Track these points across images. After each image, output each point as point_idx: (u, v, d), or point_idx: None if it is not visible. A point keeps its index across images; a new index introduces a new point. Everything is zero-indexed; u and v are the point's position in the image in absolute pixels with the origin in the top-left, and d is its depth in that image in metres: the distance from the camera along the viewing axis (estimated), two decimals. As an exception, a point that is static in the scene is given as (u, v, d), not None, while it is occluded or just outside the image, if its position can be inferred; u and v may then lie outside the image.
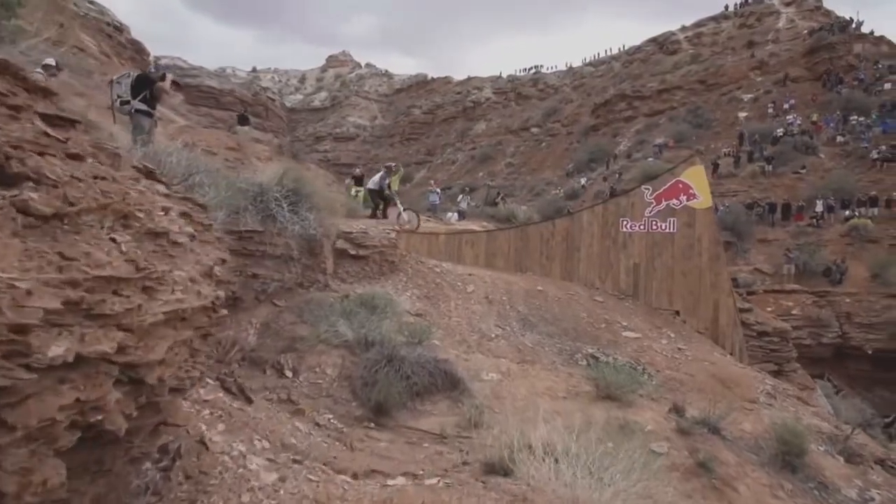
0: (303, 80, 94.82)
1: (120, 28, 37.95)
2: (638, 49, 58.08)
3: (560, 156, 47.63)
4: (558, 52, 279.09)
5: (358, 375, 4.78)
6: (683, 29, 53.66)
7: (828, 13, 45.99)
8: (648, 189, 9.89)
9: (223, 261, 3.58)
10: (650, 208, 9.87)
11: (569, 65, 71.69)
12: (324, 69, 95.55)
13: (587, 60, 69.71)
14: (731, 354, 9.22)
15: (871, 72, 35.14)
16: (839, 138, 29.44)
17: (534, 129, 56.94)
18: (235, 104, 60.90)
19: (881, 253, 20.86)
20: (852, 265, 20.55)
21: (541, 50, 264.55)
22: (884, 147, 26.51)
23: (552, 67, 72.64)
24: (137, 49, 38.93)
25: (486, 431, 4.26)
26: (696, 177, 9.78)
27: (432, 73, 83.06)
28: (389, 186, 12.13)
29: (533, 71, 72.86)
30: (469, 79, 75.01)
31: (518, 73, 73.40)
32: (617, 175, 33.84)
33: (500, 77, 73.64)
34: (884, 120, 29.19)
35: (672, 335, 8.76)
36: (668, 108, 43.36)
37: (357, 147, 73.89)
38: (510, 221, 16.00)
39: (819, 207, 23.76)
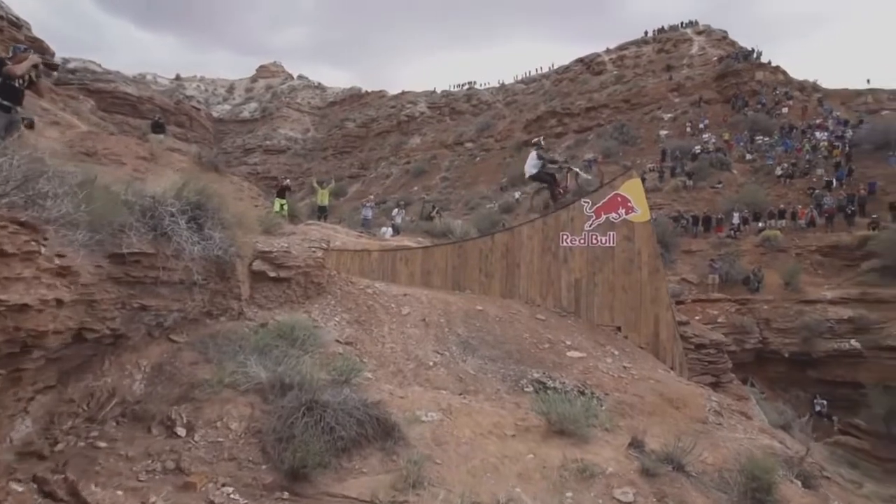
0: (231, 89, 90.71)
1: (18, 24, 34.16)
2: (566, 69, 60.57)
3: (494, 170, 48.22)
4: (491, 70, 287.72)
5: (270, 429, 3.92)
6: (608, 51, 56.59)
7: (733, 43, 50.25)
8: (588, 202, 9.68)
9: (57, 301, 2.67)
10: (590, 222, 9.65)
11: (501, 82, 73.59)
12: (254, 79, 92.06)
13: (519, 78, 71.90)
14: (672, 369, 9.10)
15: (771, 97, 38.57)
16: (748, 156, 31.85)
17: (468, 144, 57.48)
18: (155, 112, 56.65)
19: (790, 261, 22.44)
20: (767, 273, 21.89)
21: (474, 67, 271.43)
22: (786, 164, 28.91)
23: (485, 84, 74.21)
24: (39, 48, 35.04)
25: (427, 492, 3.56)
26: (633, 189, 9.69)
27: (366, 87, 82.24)
28: (550, 162, 10.84)
29: (466, 87, 73.98)
30: (403, 93, 74.82)
31: (452, 89, 74.22)
32: (550, 189, 34.54)
33: (434, 92, 74.09)
34: (784, 140, 31.96)
35: (616, 353, 8.48)
36: (595, 125, 45.28)
37: (288, 160, 71.30)
38: (447, 237, 15.46)
39: (736, 220, 25.31)
